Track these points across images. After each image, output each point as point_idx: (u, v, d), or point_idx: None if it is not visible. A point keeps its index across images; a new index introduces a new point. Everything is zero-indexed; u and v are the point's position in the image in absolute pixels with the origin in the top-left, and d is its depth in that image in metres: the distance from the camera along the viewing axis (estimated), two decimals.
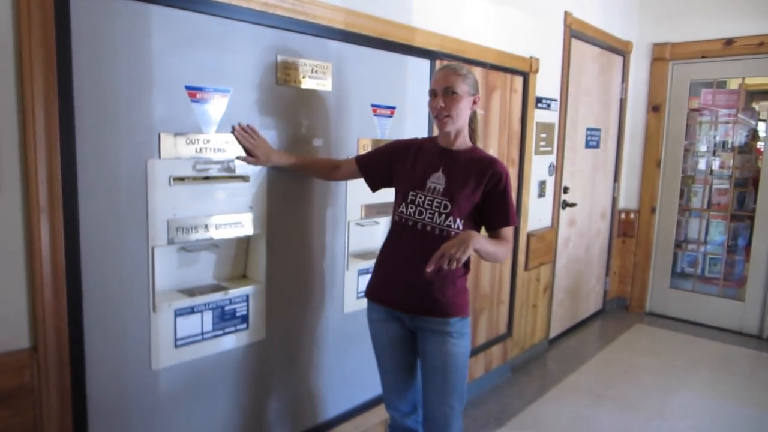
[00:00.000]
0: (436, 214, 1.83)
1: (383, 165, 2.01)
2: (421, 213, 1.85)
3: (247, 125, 1.88)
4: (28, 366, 1.49)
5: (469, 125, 1.94)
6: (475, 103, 1.89)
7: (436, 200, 1.84)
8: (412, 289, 1.87)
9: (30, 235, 1.46)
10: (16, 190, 1.43)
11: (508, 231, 1.89)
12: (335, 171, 2.08)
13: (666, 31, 4.57)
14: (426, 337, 1.91)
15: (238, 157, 1.87)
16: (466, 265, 1.92)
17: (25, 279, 1.48)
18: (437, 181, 1.86)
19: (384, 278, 1.97)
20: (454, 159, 1.89)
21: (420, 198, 1.86)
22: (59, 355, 1.54)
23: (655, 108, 4.66)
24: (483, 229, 1.94)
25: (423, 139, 2.03)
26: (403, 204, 1.88)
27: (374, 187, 2.07)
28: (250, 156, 1.89)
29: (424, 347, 1.93)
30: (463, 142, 1.92)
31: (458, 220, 1.82)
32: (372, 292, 2.01)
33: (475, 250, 1.73)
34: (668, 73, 4.60)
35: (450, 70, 1.85)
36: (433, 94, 1.88)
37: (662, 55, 4.58)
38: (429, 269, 1.67)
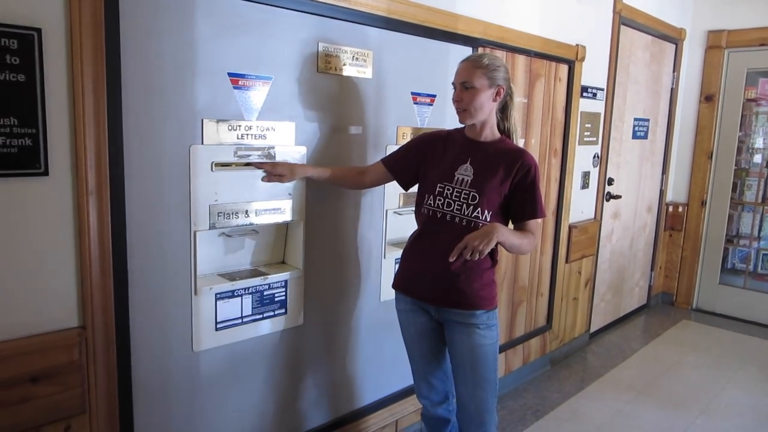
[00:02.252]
0: (464, 205, 1.81)
1: (412, 161, 1.97)
2: (449, 205, 1.83)
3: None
4: (76, 344, 1.54)
5: (503, 114, 1.90)
6: (498, 94, 1.83)
7: (464, 192, 1.82)
8: (438, 280, 1.86)
9: (79, 217, 1.51)
10: (66, 173, 1.48)
11: (534, 223, 1.86)
12: (362, 176, 2.04)
13: (722, 17, 4.38)
14: (452, 329, 1.90)
15: (263, 179, 1.87)
16: (494, 257, 1.90)
17: (75, 260, 1.53)
18: (465, 172, 1.84)
19: (411, 269, 1.96)
20: (482, 150, 1.86)
21: (448, 190, 1.84)
22: (106, 334, 1.60)
23: (708, 98, 4.48)
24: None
25: (450, 131, 2.00)
26: (431, 196, 1.86)
27: (407, 186, 2.04)
28: (275, 176, 1.88)
29: (451, 339, 1.92)
30: (491, 133, 1.88)
31: (486, 211, 1.80)
32: (399, 283, 2.01)
33: (500, 243, 1.71)
34: (723, 61, 4.41)
35: (470, 62, 1.82)
36: (453, 86, 1.86)
37: (717, 43, 4.39)
38: (451, 260, 1.69)
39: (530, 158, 1.84)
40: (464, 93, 1.81)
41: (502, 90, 1.83)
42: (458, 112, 1.85)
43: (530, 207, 1.84)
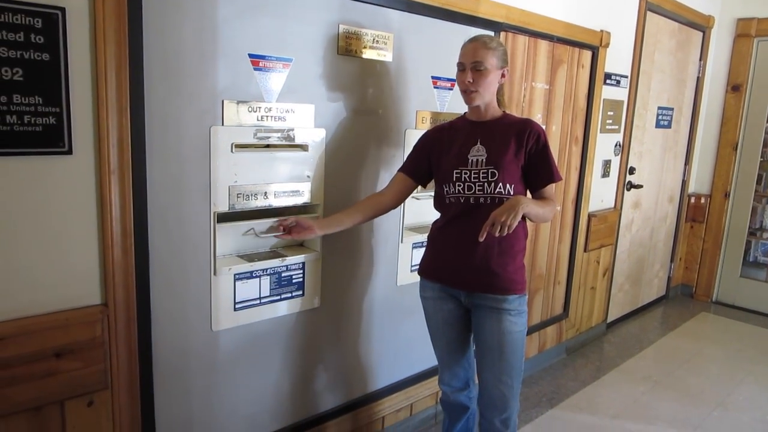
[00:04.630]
0: (486, 184, 1.81)
1: (424, 160, 1.96)
2: (470, 188, 1.83)
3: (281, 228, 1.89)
4: (99, 321, 1.57)
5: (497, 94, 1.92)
6: (503, 76, 1.85)
7: (482, 171, 1.81)
8: (471, 265, 1.85)
9: (101, 196, 1.53)
10: (89, 153, 1.50)
11: (551, 189, 1.88)
12: (382, 197, 2.01)
13: (752, 5, 4.27)
14: (483, 315, 1.89)
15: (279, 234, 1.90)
16: (525, 235, 1.91)
17: (97, 238, 1.56)
18: (478, 153, 1.83)
19: (440, 256, 1.95)
20: (489, 129, 1.87)
21: (465, 174, 1.83)
22: (127, 311, 1.63)
23: (735, 87, 4.39)
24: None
25: (451, 121, 2.00)
26: (450, 184, 1.86)
27: (424, 183, 2.03)
28: (301, 231, 1.88)
29: (480, 325, 1.91)
30: (494, 111, 1.90)
31: (508, 185, 1.80)
32: (427, 270, 2.00)
33: (525, 214, 1.72)
34: (752, 50, 4.31)
35: (480, 42, 1.81)
36: (461, 67, 1.84)
37: (747, 31, 4.28)
38: (481, 239, 1.69)
39: (536, 125, 1.86)
40: (475, 73, 1.80)
41: (506, 71, 1.86)
42: (467, 93, 1.83)
43: (546, 172, 1.85)
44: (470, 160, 1.84)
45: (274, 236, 1.92)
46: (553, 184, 1.88)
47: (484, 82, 1.80)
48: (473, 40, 1.83)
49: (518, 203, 1.68)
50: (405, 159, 2.04)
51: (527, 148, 1.83)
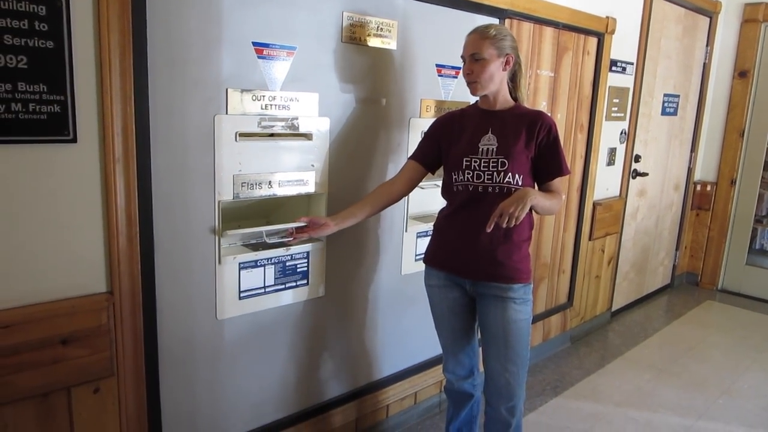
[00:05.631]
0: (495, 173, 1.80)
1: (435, 146, 1.95)
2: (479, 176, 1.82)
3: (294, 230, 1.87)
4: (104, 308, 1.58)
5: (513, 84, 1.90)
6: (507, 63, 1.83)
7: (492, 160, 1.81)
8: (476, 253, 1.85)
9: (106, 184, 1.53)
10: (94, 141, 1.50)
11: (559, 182, 1.88)
12: (393, 185, 1.99)
13: None
14: (488, 304, 1.89)
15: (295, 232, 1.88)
16: (531, 227, 1.90)
17: (102, 226, 1.56)
18: (489, 142, 1.83)
19: (446, 244, 1.95)
20: (500, 118, 1.86)
21: (475, 162, 1.83)
22: (133, 299, 1.63)
23: (742, 74, 4.35)
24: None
25: (463, 108, 2.00)
26: (459, 171, 1.85)
27: (434, 170, 2.02)
28: (317, 229, 1.87)
29: (485, 314, 1.91)
30: (505, 101, 1.89)
31: (517, 175, 1.80)
32: (432, 258, 2.00)
33: (533, 206, 1.72)
34: (760, 35, 4.26)
35: (477, 34, 1.81)
36: (462, 60, 1.85)
37: (754, 17, 4.24)
38: (488, 229, 1.69)
39: (548, 117, 1.86)
40: (474, 65, 1.81)
41: (511, 59, 1.84)
42: (469, 84, 1.85)
43: (555, 165, 1.86)
44: (480, 149, 1.83)
45: (286, 242, 1.91)
46: (561, 178, 1.88)
47: (483, 73, 1.80)
48: (472, 32, 1.84)
49: (527, 195, 1.68)
50: (416, 146, 2.03)
51: (538, 140, 1.83)
